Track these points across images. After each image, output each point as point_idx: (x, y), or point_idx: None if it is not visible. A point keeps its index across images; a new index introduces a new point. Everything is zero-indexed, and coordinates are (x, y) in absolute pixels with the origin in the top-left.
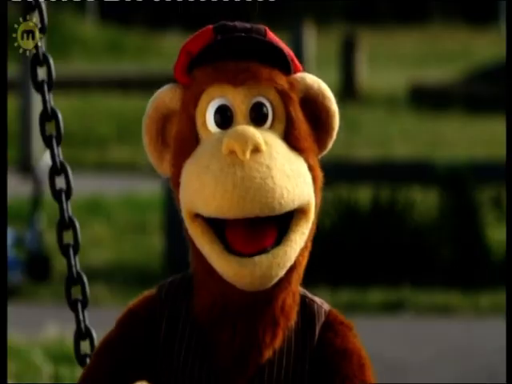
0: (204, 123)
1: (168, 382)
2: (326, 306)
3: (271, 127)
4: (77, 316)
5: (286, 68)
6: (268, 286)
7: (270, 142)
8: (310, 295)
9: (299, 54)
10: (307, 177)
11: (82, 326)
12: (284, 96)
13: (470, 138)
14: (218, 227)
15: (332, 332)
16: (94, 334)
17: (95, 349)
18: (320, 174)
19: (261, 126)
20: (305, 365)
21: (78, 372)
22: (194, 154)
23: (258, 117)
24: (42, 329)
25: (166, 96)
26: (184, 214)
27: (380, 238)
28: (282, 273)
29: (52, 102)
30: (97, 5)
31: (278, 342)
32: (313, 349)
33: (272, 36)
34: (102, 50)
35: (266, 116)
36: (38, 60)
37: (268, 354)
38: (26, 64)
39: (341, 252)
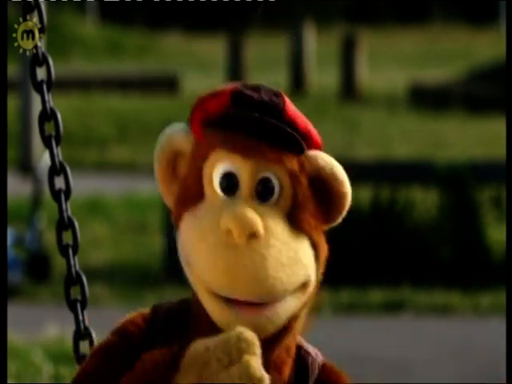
0: (210, 182)
1: None
2: (320, 359)
3: (276, 203)
4: (76, 316)
5: (297, 148)
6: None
7: (269, 226)
8: (305, 345)
9: (299, 54)
10: (307, 258)
11: (82, 326)
12: (293, 177)
13: (469, 138)
14: None
15: (325, 379)
16: (94, 335)
17: (92, 351)
18: (324, 250)
19: (265, 201)
20: None
21: None
22: (196, 212)
23: (264, 192)
24: (42, 328)
25: (180, 137)
26: (180, 258)
27: (380, 238)
28: (271, 329)
29: (51, 102)
30: (97, 5)
31: None
32: None
33: (289, 111)
34: (102, 50)
35: (272, 192)
36: (38, 60)
37: None
38: (26, 63)
39: (341, 252)
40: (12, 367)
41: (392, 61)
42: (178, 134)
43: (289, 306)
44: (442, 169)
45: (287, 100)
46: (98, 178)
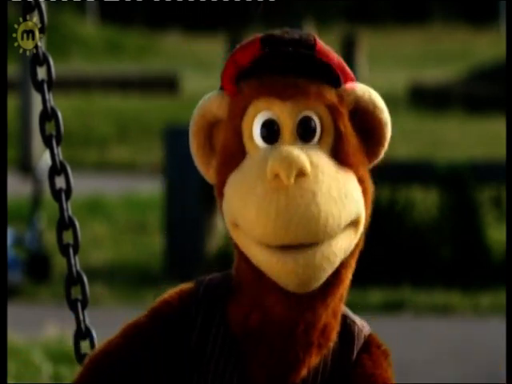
0: (250, 136)
1: None
2: (366, 330)
3: (319, 142)
4: (77, 316)
5: (335, 81)
6: (315, 284)
7: (315, 161)
8: (351, 315)
9: None
10: (356, 192)
11: (82, 325)
12: (333, 110)
13: (469, 138)
14: None
15: (367, 353)
16: (94, 334)
17: (120, 329)
18: (370, 186)
19: (308, 141)
20: None
21: (78, 372)
22: (240, 168)
23: (305, 132)
24: (42, 328)
25: (214, 103)
26: (227, 223)
27: (380, 238)
28: (328, 269)
29: (52, 102)
30: (97, 5)
31: (315, 362)
32: (348, 371)
33: (321, 47)
34: (101, 50)
35: (313, 131)
36: (38, 59)
37: (304, 372)
38: (26, 63)
39: None
40: (12, 367)
41: (392, 61)
42: (211, 104)
43: (342, 243)
44: (441, 169)
45: (317, 37)
46: (98, 178)
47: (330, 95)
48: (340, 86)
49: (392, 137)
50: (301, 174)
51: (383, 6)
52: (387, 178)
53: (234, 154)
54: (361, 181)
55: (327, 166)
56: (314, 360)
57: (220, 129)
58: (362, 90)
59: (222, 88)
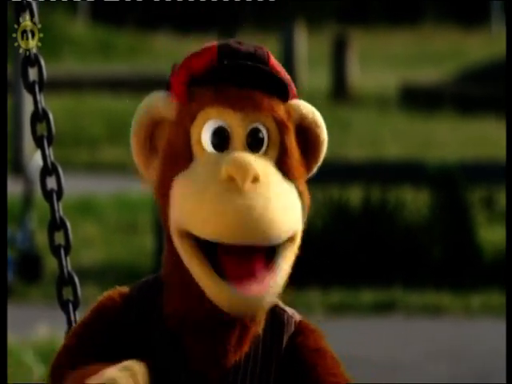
0: (199, 141)
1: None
2: (296, 317)
3: (265, 154)
4: (68, 317)
5: (284, 96)
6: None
7: (266, 171)
8: (281, 305)
9: (290, 54)
10: (297, 207)
11: (73, 326)
12: (281, 125)
13: (461, 139)
14: (207, 249)
15: (303, 336)
16: None
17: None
18: (308, 200)
19: (256, 151)
20: (270, 373)
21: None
22: (188, 172)
23: (254, 142)
24: (33, 329)
25: (160, 102)
26: (172, 230)
27: (371, 238)
28: (272, 300)
29: (43, 103)
30: (88, 5)
31: (244, 348)
32: (279, 358)
33: (273, 61)
34: (93, 50)
35: (262, 142)
36: (30, 60)
37: (234, 358)
38: (17, 64)
39: (332, 252)
40: None
41: (383, 61)
42: (157, 102)
43: (284, 269)
44: (433, 169)
45: (269, 51)
46: (89, 179)
47: (280, 110)
48: (287, 101)
49: (383, 137)
50: (255, 179)
51: (375, 6)
52: (378, 178)
53: (180, 156)
54: (300, 194)
55: (275, 177)
56: (244, 346)
57: (163, 129)
58: (307, 109)
59: (168, 89)
